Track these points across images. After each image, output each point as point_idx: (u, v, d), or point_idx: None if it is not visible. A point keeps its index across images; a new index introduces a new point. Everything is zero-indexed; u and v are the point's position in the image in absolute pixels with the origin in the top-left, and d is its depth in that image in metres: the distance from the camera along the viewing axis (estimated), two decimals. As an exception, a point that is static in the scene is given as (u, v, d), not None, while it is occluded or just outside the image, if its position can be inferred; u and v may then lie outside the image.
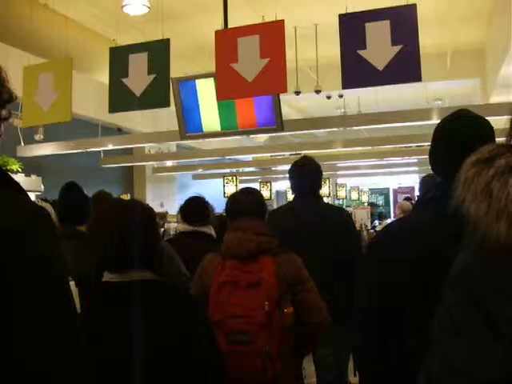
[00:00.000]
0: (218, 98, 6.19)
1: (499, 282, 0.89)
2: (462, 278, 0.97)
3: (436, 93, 16.58)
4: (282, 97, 7.49)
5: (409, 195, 16.43)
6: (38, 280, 1.24)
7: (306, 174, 4.49)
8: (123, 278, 2.28)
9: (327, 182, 17.97)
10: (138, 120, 14.57)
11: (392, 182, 28.28)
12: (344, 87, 5.58)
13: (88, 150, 12.09)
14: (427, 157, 2.25)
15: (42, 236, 1.30)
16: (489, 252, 0.89)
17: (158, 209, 12.39)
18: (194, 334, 2.25)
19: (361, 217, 16.87)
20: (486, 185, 0.90)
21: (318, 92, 12.53)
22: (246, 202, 3.28)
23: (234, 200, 3.40)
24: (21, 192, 1.40)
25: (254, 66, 5.66)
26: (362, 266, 2.26)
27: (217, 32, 6.00)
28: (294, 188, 4.62)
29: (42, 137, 11.29)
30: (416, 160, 17.93)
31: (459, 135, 2.04)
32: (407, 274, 1.90)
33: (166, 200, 17.56)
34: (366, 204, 21.55)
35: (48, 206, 5.69)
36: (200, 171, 19.33)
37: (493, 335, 0.89)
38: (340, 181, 22.99)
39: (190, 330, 2.24)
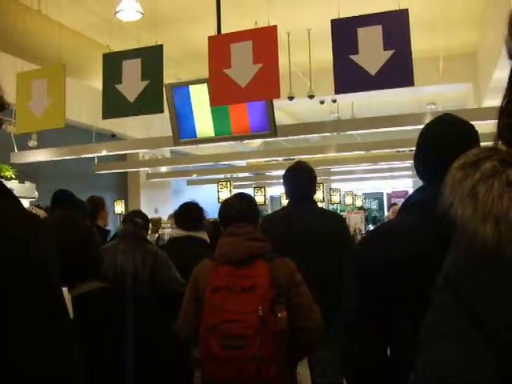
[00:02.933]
0: (211, 104, 6.20)
1: (487, 283, 0.90)
2: (450, 281, 0.98)
3: (429, 97, 16.62)
4: (276, 102, 7.50)
5: (397, 201, 16.50)
6: (30, 283, 1.26)
7: (300, 179, 4.50)
8: (73, 293, 2.29)
9: (321, 186, 17.95)
10: (131, 126, 14.58)
11: (386, 187, 28.33)
12: (337, 92, 5.60)
13: (82, 156, 12.07)
14: (418, 161, 2.27)
15: (35, 241, 1.32)
16: (476, 254, 0.90)
17: (152, 215, 12.38)
18: (149, 336, 2.28)
19: (355, 221, 16.88)
20: (472, 188, 0.91)
21: (311, 97, 12.54)
22: (239, 208, 3.29)
23: (227, 205, 3.41)
24: (14, 199, 1.42)
25: (246, 71, 5.67)
26: (350, 268, 2.28)
27: (210, 38, 6.02)
28: (288, 193, 4.62)
29: (35, 143, 11.29)
30: (409, 164, 17.92)
31: (441, 139, 2.07)
32: (394, 274, 1.92)
33: (160, 206, 17.54)
34: (359, 208, 21.57)
35: (42, 213, 5.71)
36: (194, 177, 19.33)
37: (482, 337, 0.90)
38: (334, 186, 23.00)
39: (145, 332, 2.27)
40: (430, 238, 1.71)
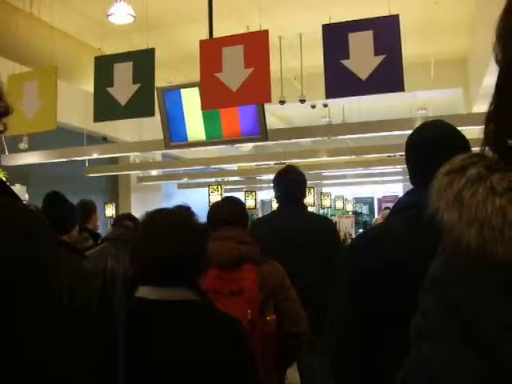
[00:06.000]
0: (202, 108, 6.20)
1: (471, 287, 0.92)
2: (435, 284, 0.99)
3: (420, 102, 16.65)
4: (267, 106, 7.51)
5: (389, 205, 16.49)
6: (37, 281, 1.27)
7: (290, 183, 4.51)
8: (160, 297, 2.18)
9: (312, 191, 17.95)
10: (123, 129, 14.54)
11: (376, 191, 28.34)
12: (327, 97, 5.62)
13: (73, 158, 12.04)
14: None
15: (38, 238, 1.33)
16: (461, 258, 0.92)
17: (143, 218, 12.35)
18: (229, 363, 2.12)
19: (345, 226, 16.90)
20: (457, 193, 0.92)
21: (302, 101, 12.56)
22: (228, 211, 3.30)
23: (215, 209, 3.42)
24: (16, 200, 1.43)
25: (238, 75, 5.69)
26: (339, 272, 2.28)
27: (201, 41, 6.03)
28: (278, 197, 4.63)
29: (26, 146, 11.25)
30: (400, 169, 17.96)
31: (426, 145, 2.09)
32: (381, 280, 1.93)
33: (151, 209, 17.34)
34: (350, 213, 21.58)
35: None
36: (185, 180, 19.29)
37: (466, 339, 0.91)
38: (325, 190, 23.00)
39: (225, 358, 2.12)
40: (416, 243, 1.73)
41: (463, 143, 2.09)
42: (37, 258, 1.30)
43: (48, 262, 1.34)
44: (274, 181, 4.62)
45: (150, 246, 2.25)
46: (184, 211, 2.47)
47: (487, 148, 1.00)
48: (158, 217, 2.41)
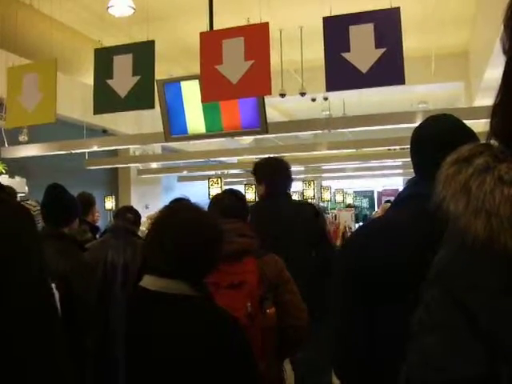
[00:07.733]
0: (202, 100, 6.19)
1: (478, 278, 0.91)
2: (440, 275, 0.99)
3: (421, 96, 16.65)
4: (267, 99, 7.50)
5: (390, 199, 16.46)
6: (24, 282, 1.26)
7: (271, 174, 4.51)
8: (161, 288, 2.19)
9: (312, 184, 17.96)
10: (123, 122, 14.53)
11: (377, 185, 28.34)
12: (328, 90, 5.61)
13: (73, 151, 12.02)
14: (411, 159, 2.28)
15: (26, 237, 1.32)
16: (468, 249, 0.91)
17: (142, 211, 12.35)
18: (225, 361, 2.12)
19: (345, 219, 16.87)
20: (464, 183, 0.92)
21: (302, 94, 12.53)
22: (228, 204, 3.28)
23: (216, 201, 3.41)
24: (7, 194, 1.42)
25: (238, 68, 5.67)
26: (339, 264, 2.27)
27: (201, 34, 6.01)
28: (264, 186, 4.63)
29: (26, 138, 11.23)
30: (400, 162, 17.96)
31: (431, 139, 2.08)
32: (383, 271, 1.92)
33: (150, 202, 17.48)
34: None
35: (35, 205, 5.71)
36: (185, 173, 19.29)
37: (471, 332, 0.90)
38: (325, 183, 22.97)
39: (222, 356, 2.11)
40: (420, 233, 1.72)
41: (469, 137, 2.08)
42: (25, 259, 1.29)
43: (36, 261, 1.33)
44: (257, 171, 4.62)
45: (161, 236, 2.27)
46: (205, 211, 2.49)
47: (492, 140, 0.99)
48: (180, 209, 2.43)
